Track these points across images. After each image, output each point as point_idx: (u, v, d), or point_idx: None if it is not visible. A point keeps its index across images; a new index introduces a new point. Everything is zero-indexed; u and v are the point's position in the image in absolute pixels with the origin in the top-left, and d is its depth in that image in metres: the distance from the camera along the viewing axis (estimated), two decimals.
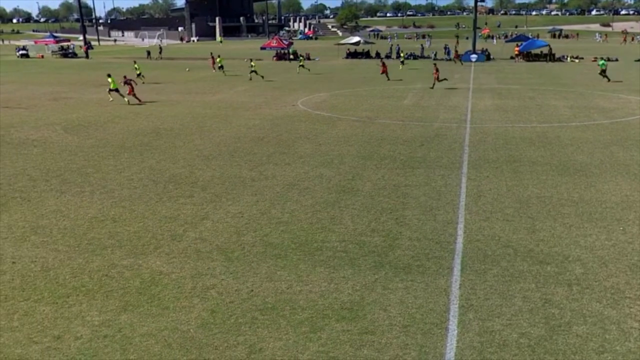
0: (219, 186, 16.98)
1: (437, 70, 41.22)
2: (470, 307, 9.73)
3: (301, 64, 55.91)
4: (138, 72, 47.73)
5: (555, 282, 10.60)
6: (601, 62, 43.91)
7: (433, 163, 19.34)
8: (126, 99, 34.85)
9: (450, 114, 29.33)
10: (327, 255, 11.94)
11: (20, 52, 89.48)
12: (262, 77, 47.62)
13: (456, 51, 68.93)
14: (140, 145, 22.89)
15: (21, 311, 9.78)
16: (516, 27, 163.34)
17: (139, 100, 35.15)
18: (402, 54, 63.08)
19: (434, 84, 40.55)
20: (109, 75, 37.26)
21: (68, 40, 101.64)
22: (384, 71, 46.54)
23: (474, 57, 67.97)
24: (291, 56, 73.45)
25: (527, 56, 68.50)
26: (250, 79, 47.25)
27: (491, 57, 70.17)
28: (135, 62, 50.46)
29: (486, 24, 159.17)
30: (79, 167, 19.48)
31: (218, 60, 54.15)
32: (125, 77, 36.85)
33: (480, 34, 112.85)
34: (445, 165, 19.08)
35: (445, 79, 41.49)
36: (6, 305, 9.98)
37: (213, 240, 12.80)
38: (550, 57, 67.52)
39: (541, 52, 68.86)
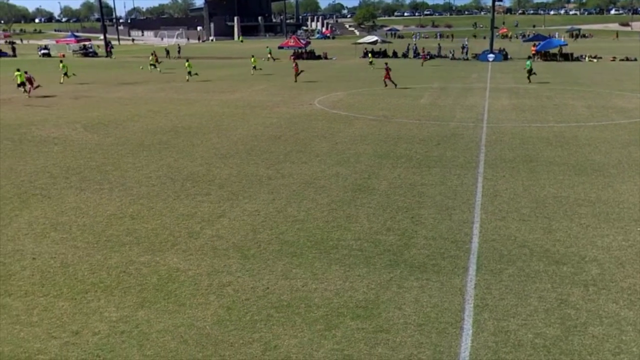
0: (235, 184, 17.02)
1: (388, 70, 41.39)
2: (486, 306, 9.66)
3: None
4: (189, 70, 48.07)
5: (571, 283, 10.49)
6: (527, 62, 43.99)
7: (449, 162, 19.24)
8: (28, 95, 37.34)
9: (467, 114, 29.17)
10: (343, 253, 11.92)
11: (42, 51, 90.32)
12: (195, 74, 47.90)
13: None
14: (158, 143, 23.02)
15: (40, 306, 9.88)
16: (534, 26, 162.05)
17: (29, 93, 37.79)
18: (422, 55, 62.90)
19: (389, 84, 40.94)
20: (18, 70, 39.17)
21: (89, 39, 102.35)
22: (387, 77, 41.39)
23: (491, 56, 67.56)
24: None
25: (545, 55, 67.90)
26: (188, 80, 47.54)
27: (509, 56, 69.65)
28: (187, 60, 50.46)
29: (504, 23, 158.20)
30: (98, 164, 19.64)
31: (186, 64, 49.40)
32: (26, 72, 39.29)
33: (497, 34, 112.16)
34: (462, 164, 18.98)
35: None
36: (26, 301, 10.08)
37: (229, 238, 12.83)
38: (568, 56, 66.87)
39: (559, 51, 68.22)
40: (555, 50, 68.27)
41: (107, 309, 9.75)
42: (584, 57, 67.63)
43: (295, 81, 44.86)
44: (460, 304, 9.77)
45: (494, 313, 9.44)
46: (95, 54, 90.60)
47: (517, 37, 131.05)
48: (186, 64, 48.64)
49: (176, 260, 11.70)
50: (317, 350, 8.48)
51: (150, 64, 57.69)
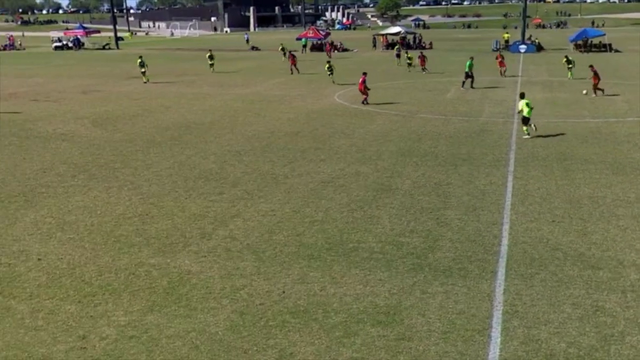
0: (250, 183, 17.07)
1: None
2: (515, 313, 9.59)
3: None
4: (211, 63, 49.53)
5: (608, 289, 10.37)
6: (468, 62, 37.00)
7: (477, 160, 19.12)
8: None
9: (497, 108, 28.97)
10: (363, 256, 11.90)
11: (55, 43, 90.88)
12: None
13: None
14: (169, 139, 23.17)
15: (46, 310, 9.99)
16: (569, 15, 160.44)
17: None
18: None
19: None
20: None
21: (98, 31, 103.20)
22: (422, 64, 45.90)
23: (522, 47, 66.95)
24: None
25: (583, 46, 67.11)
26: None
27: (542, 47, 68.97)
28: (210, 51, 51.22)
29: (537, 12, 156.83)
30: (106, 162, 19.81)
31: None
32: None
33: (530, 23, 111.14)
34: (490, 162, 18.85)
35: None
36: (31, 303, 10.20)
37: (243, 239, 12.88)
38: (607, 47, 66.02)
39: (600, 42, 67.36)
40: (597, 41, 67.34)
41: (115, 312, 9.83)
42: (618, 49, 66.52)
43: (291, 73, 46.28)
44: (488, 310, 9.71)
45: (524, 320, 9.37)
46: (71, 48, 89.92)
47: (550, 27, 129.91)
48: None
49: (187, 262, 11.77)
50: (335, 358, 8.48)
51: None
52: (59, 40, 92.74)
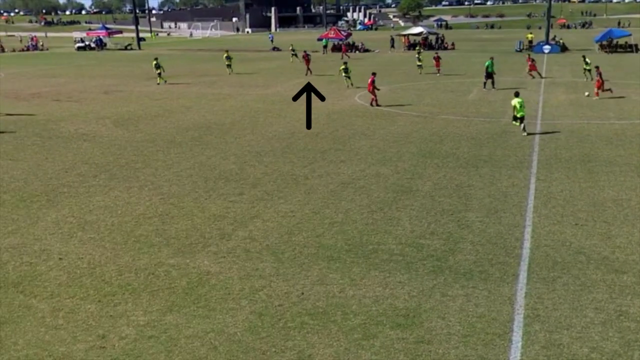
0: (270, 184, 17.12)
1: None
2: (537, 317, 9.51)
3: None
4: (228, 63, 49.20)
5: (632, 293, 10.24)
6: (487, 62, 36.49)
7: (499, 162, 18.99)
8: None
9: None
10: (383, 258, 11.88)
11: (78, 44, 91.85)
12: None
13: None
14: (190, 140, 23.31)
15: (66, 309, 10.10)
16: (594, 15, 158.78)
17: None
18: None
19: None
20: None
21: (120, 31, 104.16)
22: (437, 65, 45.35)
23: (546, 48, 66.39)
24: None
25: (608, 47, 66.36)
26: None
27: (567, 48, 68.33)
28: (227, 52, 51.03)
29: (561, 12, 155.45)
30: (127, 162, 19.99)
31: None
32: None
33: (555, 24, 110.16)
34: (513, 164, 18.72)
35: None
36: (52, 302, 10.32)
37: (263, 240, 12.91)
38: (633, 47, 65.20)
39: (625, 42, 66.58)
40: (623, 42, 66.55)
41: (135, 312, 9.91)
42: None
43: (306, 74, 45.84)
44: (509, 314, 9.64)
45: (545, 324, 9.28)
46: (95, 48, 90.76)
47: (575, 27, 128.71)
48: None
49: (207, 262, 11.83)
50: None
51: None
52: (82, 40, 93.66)
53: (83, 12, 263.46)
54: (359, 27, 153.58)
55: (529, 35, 76.40)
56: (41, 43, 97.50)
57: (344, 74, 38.84)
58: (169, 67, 53.09)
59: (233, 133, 24.55)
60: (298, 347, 8.80)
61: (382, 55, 67.72)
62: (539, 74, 41.42)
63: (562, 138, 22.22)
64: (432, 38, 78.53)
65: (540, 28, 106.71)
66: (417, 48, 61.81)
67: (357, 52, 74.77)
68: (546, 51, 65.83)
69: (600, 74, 31.81)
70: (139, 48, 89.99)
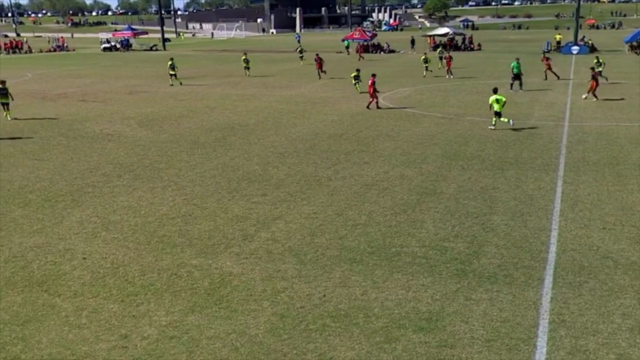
0: (293, 185, 17.15)
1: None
2: (562, 322, 9.40)
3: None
4: (246, 66, 48.74)
5: None
6: (513, 63, 36.24)
7: (525, 164, 18.82)
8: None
9: (547, 111, 28.46)
10: (406, 261, 11.83)
11: (104, 45, 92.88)
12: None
13: None
14: (214, 141, 23.45)
15: (90, 308, 10.21)
16: (624, 15, 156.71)
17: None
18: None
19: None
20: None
21: (145, 32, 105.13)
22: (448, 67, 44.50)
23: (575, 49, 65.67)
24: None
25: (638, 48, 65.44)
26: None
27: (596, 48, 67.52)
28: (245, 54, 50.47)
29: (590, 12, 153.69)
30: (151, 162, 20.16)
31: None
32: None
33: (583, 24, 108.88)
34: (539, 167, 18.53)
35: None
36: (75, 302, 10.43)
37: (285, 242, 12.94)
38: None
39: None
40: None
41: (157, 312, 9.99)
42: None
43: (319, 78, 45.37)
44: (534, 318, 9.54)
45: (571, 330, 9.17)
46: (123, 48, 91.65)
47: (605, 28, 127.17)
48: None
49: (229, 263, 11.88)
50: None
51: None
52: (108, 41, 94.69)
53: (109, 13, 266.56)
54: (384, 27, 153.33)
55: (557, 36, 75.63)
56: (66, 44, 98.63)
57: (353, 81, 36.81)
58: (193, 68, 53.46)
59: (256, 134, 24.64)
60: (319, 350, 8.80)
61: (407, 56, 67.49)
62: (555, 75, 40.83)
63: (590, 140, 21.96)
64: (459, 39, 78.08)
65: (568, 29, 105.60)
66: (439, 50, 61.04)
67: (382, 52, 74.67)
68: (574, 52, 65.12)
69: (594, 77, 31.41)
70: (164, 49, 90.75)
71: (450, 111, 29.09)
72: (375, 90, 30.37)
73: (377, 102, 30.44)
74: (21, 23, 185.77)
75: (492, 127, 24.34)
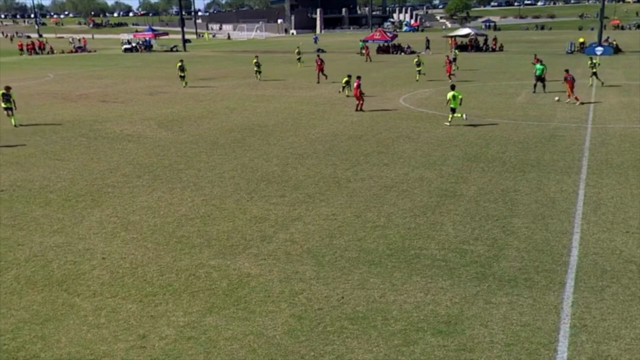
0: (312, 186, 17.16)
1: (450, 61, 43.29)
2: (584, 327, 9.30)
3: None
4: (257, 69, 46.51)
5: None
6: (537, 66, 35.71)
7: (547, 167, 18.66)
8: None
9: (569, 113, 28.21)
10: (425, 263, 11.78)
11: (125, 46, 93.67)
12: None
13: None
14: (233, 141, 23.53)
15: (108, 308, 10.29)
16: None
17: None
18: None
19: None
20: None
21: (166, 33, 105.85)
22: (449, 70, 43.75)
23: (599, 50, 64.99)
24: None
25: None
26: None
27: (620, 49, 66.83)
28: (257, 57, 49.03)
29: (615, 12, 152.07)
30: (171, 162, 20.28)
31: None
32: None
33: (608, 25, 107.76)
34: (561, 169, 18.37)
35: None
36: (94, 301, 10.53)
37: (304, 243, 12.95)
38: None
39: None
40: None
41: (175, 313, 10.04)
42: None
43: (318, 82, 43.52)
44: (554, 323, 9.45)
45: (593, 335, 9.08)
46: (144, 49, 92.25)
47: (630, 28, 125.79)
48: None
49: (247, 264, 11.91)
50: None
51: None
52: (128, 42, 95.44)
53: (130, 14, 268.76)
54: (404, 28, 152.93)
55: (581, 39, 74.73)
56: (86, 45, 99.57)
57: (343, 85, 35.39)
58: (213, 69, 53.66)
59: (276, 135, 24.70)
60: (337, 352, 8.79)
61: (428, 57, 67.25)
62: (576, 99, 34.35)
63: (613, 142, 21.72)
64: (481, 39, 77.67)
65: (592, 29, 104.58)
66: (455, 51, 60.46)
67: (402, 53, 74.49)
68: (598, 53, 64.44)
69: (566, 78, 30.92)
70: (185, 50, 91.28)
71: (471, 112, 28.91)
72: (361, 93, 30.45)
73: (361, 105, 30.42)
74: (43, 24, 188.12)
75: (448, 124, 25.82)
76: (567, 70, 31.78)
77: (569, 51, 68.45)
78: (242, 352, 8.85)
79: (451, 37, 78.74)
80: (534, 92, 35.03)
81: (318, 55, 47.08)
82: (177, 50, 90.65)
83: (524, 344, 8.87)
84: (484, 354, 8.64)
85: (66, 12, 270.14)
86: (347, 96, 35.00)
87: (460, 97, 25.57)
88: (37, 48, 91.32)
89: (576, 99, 30.78)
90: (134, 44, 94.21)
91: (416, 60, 44.73)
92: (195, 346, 9.04)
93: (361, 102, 30.42)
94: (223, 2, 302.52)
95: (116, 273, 11.68)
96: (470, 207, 15.08)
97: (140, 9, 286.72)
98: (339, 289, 10.77)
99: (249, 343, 9.09)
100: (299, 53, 59.96)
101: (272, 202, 15.86)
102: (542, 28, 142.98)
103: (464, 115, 25.85)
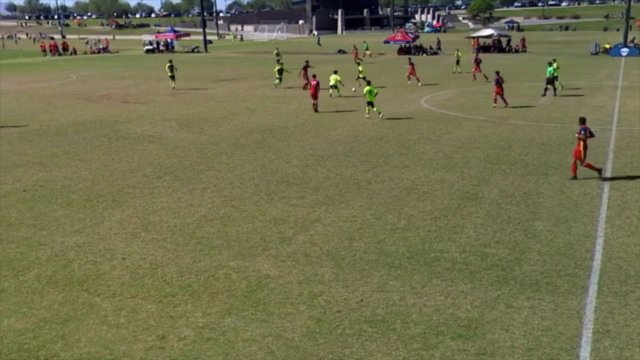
0: (332, 188, 17.15)
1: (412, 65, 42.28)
2: (607, 333, 9.20)
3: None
4: (279, 77, 43.96)
5: None
6: (550, 68, 34.54)
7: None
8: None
9: (594, 115, 27.89)
10: (445, 266, 11.73)
11: (147, 47, 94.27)
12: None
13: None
14: (253, 143, 23.61)
15: (128, 308, 10.37)
16: None
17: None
18: None
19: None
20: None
21: (188, 34, 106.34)
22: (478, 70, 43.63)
23: (624, 51, 64.32)
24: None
25: None
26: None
27: None
28: (278, 54, 47.94)
29: None
30: (191, 163, 20.39)
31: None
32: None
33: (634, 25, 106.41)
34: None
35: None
36: (114, 301, 10.61)
37: (323, 245, 12.94)
38: None
39: None
40: None
41: (194, 314, 10.09)
42: None
43: (304, 88, 38.98)
44: (577, 328, 9.36)
45: (616, 341, 8.97)
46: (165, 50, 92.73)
47: None
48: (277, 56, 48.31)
49: (266, 266, 11.93)
50: None
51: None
52: (150, 43, 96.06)
53: (152, 15, 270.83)
54: (426, 29, 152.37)
55: (606, 45, 73.42)
56: (109, 46, 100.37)
57: (330, 85, 35.61)
58: (234, 70, 53.83)
59: (296, 136, 24.73)
60: (356, 355, 8.78)
61: (449, 58, 66.92)
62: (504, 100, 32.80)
63: (638, 145, 21.46)
64: (504, 40, 77.11)
65: (618, 30, 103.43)
66: (477, 52, 60.01)
67: (424, 54, 74.22)
68: (624, 54, 63.78)
69: (497, 80, 30.26)
70: (206, 51, 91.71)
71: (493, 114, 28.74)
72: (316, 92, 30.92)
73: (315, 105, 30.88)
74: (67, 25, 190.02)
75: (367, 116, 28.26)
76: (497, 72, 31.21)
77: (594, 52, 67.75)
78: (260, 354, 8.87)
79: (474, 37, 78.29)
80: (544, 95, 34.11)
81: (306, 61, 42.78)
82: (198, 51, 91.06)
83: (545, 349, 8.79)
84: (505, 359, 8.58)
85: (89, 13, 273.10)
86: (339, 96, 36.09)
87: (375, 91, 28.11)
88: (60, 49, 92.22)
89: (505, 102, 30.39)
90: (155, 45, 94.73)
91: (456, 54, 49.63)
92: (213, 347, 9.08)
93: (315, 102, 31.01)
94: (244, 2, 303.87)
95: (136, 273, 11.77)
96: (491, 209, 14.98)
97: (162, 10, 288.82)
98: (358, 292, 10.75)
99: (267, 345, 9.11)
100: (277, 54, 59.43)
101: (291, 203, 15.88)
102: (567, 29, 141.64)
103: (380, 114, 27.97)
